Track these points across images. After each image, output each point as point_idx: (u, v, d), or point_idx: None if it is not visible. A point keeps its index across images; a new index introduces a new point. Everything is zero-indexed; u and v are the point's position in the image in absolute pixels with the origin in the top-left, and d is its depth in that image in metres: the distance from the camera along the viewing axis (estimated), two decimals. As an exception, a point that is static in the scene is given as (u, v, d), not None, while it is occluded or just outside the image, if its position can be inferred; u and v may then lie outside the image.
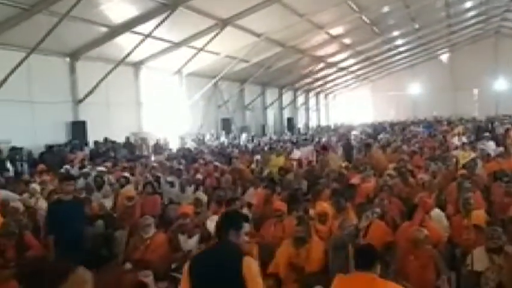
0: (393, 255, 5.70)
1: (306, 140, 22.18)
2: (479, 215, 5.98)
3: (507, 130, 17.90)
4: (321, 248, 5.61)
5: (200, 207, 7.68)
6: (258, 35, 20.33)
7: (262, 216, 7.62)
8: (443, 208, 7.40)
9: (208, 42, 18.78)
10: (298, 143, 19.89)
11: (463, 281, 5.19)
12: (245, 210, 7.38)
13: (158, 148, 19.44)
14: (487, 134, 16.74)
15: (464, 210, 6.50)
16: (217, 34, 18.18)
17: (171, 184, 10.61)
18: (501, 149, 13.10)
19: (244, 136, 25.35)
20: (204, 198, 8.05)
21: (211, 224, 6.14)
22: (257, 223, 7.26)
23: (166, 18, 15.37)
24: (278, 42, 22.44)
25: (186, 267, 3.54)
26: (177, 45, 18.81)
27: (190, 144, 20.84)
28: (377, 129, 27.95)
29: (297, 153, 15.25)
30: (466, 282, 5.11)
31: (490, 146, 14.00)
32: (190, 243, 6.55)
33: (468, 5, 27.28)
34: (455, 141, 16.51)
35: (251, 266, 3.42)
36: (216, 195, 8.37)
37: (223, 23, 17.80)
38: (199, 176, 11.16)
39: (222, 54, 21.24)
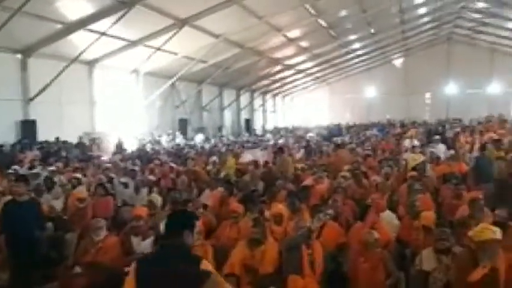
0: (345, 256, 5.80)
1: (255, 143, 21.88)
2: (428, 216, 6.15)
3: (457, 134, 18.56)
4: (275, 249, 5.63)
5: (154, 209, 7.58)
6: (217, 36, 20.27)
7: (218, 217, 7.59)
8: (394, 209, 7.58)
9: (165, 42, 18.58)
10: (245, 147, 19.39)
11: (412, 280, 5.32)
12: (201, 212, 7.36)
13: (119, 148, 19.06)
14: (438, 137, 17.24)
15: (412, 211, 6.67)
16: (175, 34, 18.00)
17: (125, 185, 10.41)
18: (451, 151, 13.53)
19: (200, 137, 25.22)
20: (158, 199, 7.95)
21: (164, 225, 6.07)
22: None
23: (122, 16, 15.08)
24: (236, 43, 22.45)
25: (132, 268, 3.32)
26: (133, 43, 18.50)
27: (147, 145, 20.53)
28: (332, 131, 28.41)
29: (246, 156, 15.00)
30: (414, 282, 5.24)
31: (440, 149, 14.42)
32: (144, 246, 6.43)
33: (422, 11, 28.13)
34: (407, 143, 16.96)
35: (220, 280, 3.35)
36: (171, 197, 8.28)
37: (181, 23, 17.64)
38: (152, 177, 11.01)
39: (179, 54, 21.05)
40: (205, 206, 7.94)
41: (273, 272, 5.43)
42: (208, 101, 29.24)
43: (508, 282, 4.45)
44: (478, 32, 34.24)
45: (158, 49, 19.28)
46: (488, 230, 4.58)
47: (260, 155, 15.18)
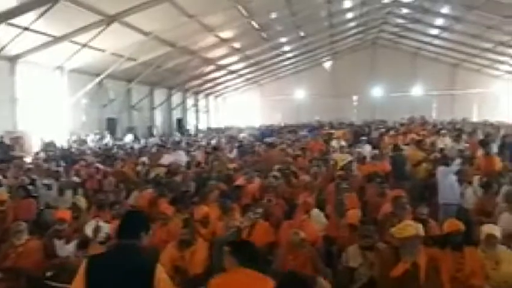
0: (275, 254, 5.87)
1: (179, 143, 21.13)
2: (353, 214, 6.34)
3: (381, 134, 19.38)
4: (205, 250, 5.61)
5: (79, 211, 7.29)
6: (147, 34, 19.80)
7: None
8: (322, 208, 7.77)
9: (92, 38, 17.88)
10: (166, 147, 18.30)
11: (339, 276, 5.46)
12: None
13: (49, 147, 18.12)
14: (364, 138, 17.92)
15: (339, 210, 6.87)
16: (103, 30, 17.39)
17: (48, 187, 9.96)
18: (376, 151, 14.09)
19: (128, 137, 24.58)
20: (82, 202, 7.65)
21: (89, 229, 5.89)
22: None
23: (47, 10, 14.32)
24: (168, 42, 22.08)
25: (82, 267, 3.23)
26: (58, 39, 17.65)
27: (72, 145, 19.71)
28: (264, 132, 28.70)
29: (168, 158, 14.38)
30: (341, 278, 5.39)
31: (366, 149, 15.00)
32: (67, 250, 6.22)
33: (349, 16, 29.13)
34: (335, 144, 17.48)
35: (165, 276, 3.32)
36: (97, 199, 8.00)
37: (109, 19, 17.05)
38: (77, 179, 10.60)
39: (107, 51, 20.36)
40: (133, 208, 7.74)
41: (202, 272, 5.39)
42: (138, 100, 28.55)
43: (428, 276, 4.68)
44: (402, 37, 36.06)
45: (85, 45, 18.54)
46: (409, 227, 4.80)
47: (181, 157, 14.66)
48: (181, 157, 14.73)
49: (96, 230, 5.96)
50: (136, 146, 20.56)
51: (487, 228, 5.56)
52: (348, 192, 8.14)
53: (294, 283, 3.55)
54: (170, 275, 5.29)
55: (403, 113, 32.46)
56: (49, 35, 17.20)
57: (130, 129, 26.76)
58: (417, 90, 40.00)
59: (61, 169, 11.73)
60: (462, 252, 5.21)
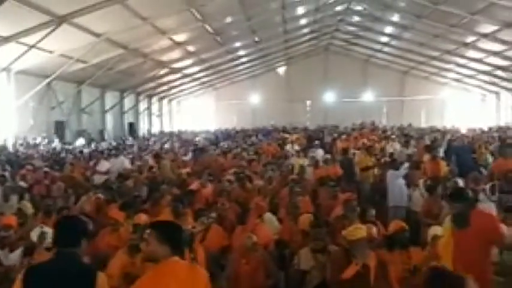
0: (228, 258, 5.86)
1: (117, 148, 19.90)
2: (305, 219, 6.41)
3: (334, 139, 19.77)
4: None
5: (24, 217, 7.01)
6: (98, 35, 19.32)
7: (95, 225, 7.21)
8: (276, 212, 7.82)
9: (41, 39, 17.27)
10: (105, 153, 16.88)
11: (291, 279, 5.51)
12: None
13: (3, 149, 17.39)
14: (317, 142, 18.23)
15: (292, 213, 6.94)
16: (52, 31, 16.83)
17: (-8, 192, 9.52)
18: (328, 156, 14.35)
19: (80, 141, 23.88)
20: (29, 207, 7.37)
21: (34, 235, 5.69)
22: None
23: (-8, 9, 13.75)
24: (119, 44, 21.62)
25: (19, 277, 3.12)
26: (5, 40, 16.94)
27: (19, 148, 18.96)
28: (219, 136, 28.64)
29: (104, 165, 13.57)
30: (293, 280, 5.44)
31: (319, 153, 15.24)
32: (12, 258, 5.97)
33: (303, 22, 29.53)
34: (289, 148, 17.70)
35: (105, 284, 3.23)
36: (44, 205, 7.72)
37: (59, 20, 16.53)
38: (23, 184, 10.20)
39: (56, 52, 19.72)
40: (82, 213, 7.51)
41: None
42: (89, 102, 27.80)
43: (377, 277, 4.79)
44: (354, 45, 36.93)
45: (33, 46, 17.88)
46: (360, 229, 4.91)
47: (119, 164, 13.92)
48: (124, 164, 14.08)
49: (42, 236, 5.76)
50: (86, 150, 19.94)
51: (433, 230, 5.81)
52: (301, 195, 8.24)
53: (444, 282, 3.47)
54: (120, 282, 5.23)
55: (354, 118, 33.06)
56: (-6, 35, 16.52)
57: (80, 133, 25.99)
58: (368, 96, 40.94)
59: (7, 173, 11.24)
60: (408, 253, 5.42)
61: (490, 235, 4.51)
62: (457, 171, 11.07)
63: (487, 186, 8.61)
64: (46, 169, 12.29)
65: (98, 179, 11.73)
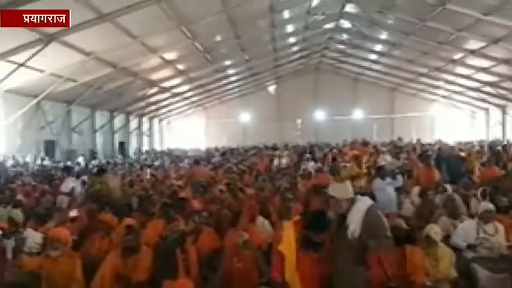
0: (220, 259, 5.80)
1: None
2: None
3: (325, 154, 19.88)
4: (150, 256, 5.44)
5: (15, 226, 6.89)
6: (87, 54, 19.31)
7: (86, 229, 7.11)
8: (268, 217, 7.78)
9: (30, 58, 17.18)
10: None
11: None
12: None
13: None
14: (308, 155, 18.39)
15: (286, 215, 6.91)
16: (41, 49, 16.79)
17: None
18: (319, 165, 14.45)
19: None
20: (19, 216, 7.26)
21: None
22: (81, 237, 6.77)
23: (-20, 28, 13.72)
24: (109, 62, 21.61)
25: None
26: (-7, 58, 16.92)
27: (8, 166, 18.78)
28: (209, 154, 28.61)
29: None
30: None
31: (310, 165, 15.30)
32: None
33: (292, 40, 29.82)
34: (277, 163, 17.94)
35: None
36: (35, 212, 7.64)
37: (48, 38, 16.52)
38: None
39: (46, 71, 19.64)
40: (72, 219, 7.39)
41: (146, 280, 5.22)
42: (79, 122, 27.69)
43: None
44: (343, 63, 37.31)
45: (21, 65, 17.80)
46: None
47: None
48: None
49: (19, 241, 5.74)
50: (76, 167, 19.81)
51: (426, 229, 5.96)
52: (293, 202, 8.20)
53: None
54: (111, 284, 5.14)
55: (345, 135, 33.13)
56: (-17, 54, 16.46)
57: (70, 152, 25.83)
58: (358, 114, 41.30)
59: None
60: (404, 250, 5.41)
61: None
62: (448, 178, 11.25)
63: (478, 192, 8.76)
64: (34, 183, 12.14)
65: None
